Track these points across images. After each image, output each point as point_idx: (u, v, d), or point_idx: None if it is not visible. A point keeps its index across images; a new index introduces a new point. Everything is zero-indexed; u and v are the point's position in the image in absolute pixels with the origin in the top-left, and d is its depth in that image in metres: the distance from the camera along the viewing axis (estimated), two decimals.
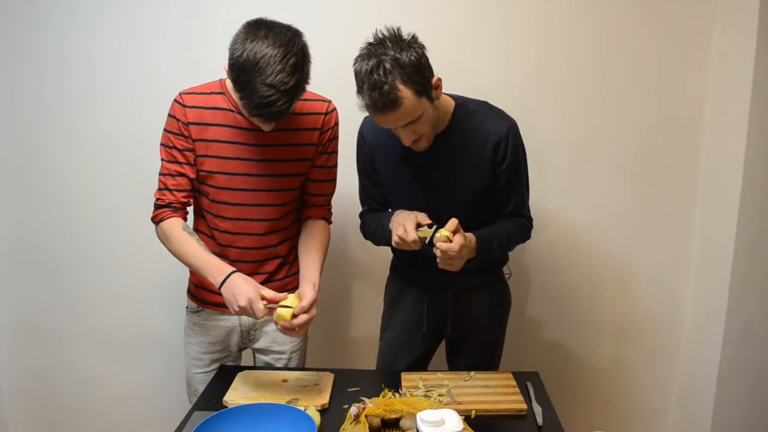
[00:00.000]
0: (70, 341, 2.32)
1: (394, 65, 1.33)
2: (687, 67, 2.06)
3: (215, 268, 1.46)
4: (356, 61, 1.38)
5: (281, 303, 1.42)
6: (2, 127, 2.17)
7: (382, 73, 1.32)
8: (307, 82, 1.40)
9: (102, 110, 2.13)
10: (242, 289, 1.39)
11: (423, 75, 1.38)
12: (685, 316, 2.24)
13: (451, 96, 1.57)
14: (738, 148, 1.91)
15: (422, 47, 1.39)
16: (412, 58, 1.35)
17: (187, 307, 1.73)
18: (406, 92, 1.35)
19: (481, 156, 1.55)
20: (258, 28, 1.34)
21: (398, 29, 1.38)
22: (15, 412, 2.42)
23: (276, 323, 1.43)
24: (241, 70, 1.32)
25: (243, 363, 1.78)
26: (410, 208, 1.54)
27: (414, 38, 1.39)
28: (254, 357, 1.79)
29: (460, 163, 1.56)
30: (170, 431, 1.38)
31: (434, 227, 1.44)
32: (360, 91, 1.38)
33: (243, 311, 1.39)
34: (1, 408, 2.40)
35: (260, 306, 1.38)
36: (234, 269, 1.45)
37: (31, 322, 2.32)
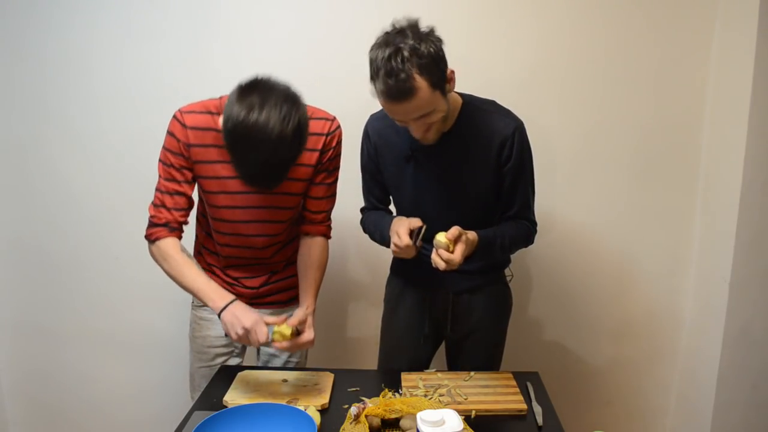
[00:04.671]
0: (70, 341, 2.32)
1: (412, 54, 1.32)
2: (687, 67, 2.06)
3: (216, 294, 1.48)
4: (373, 48, 1.37)
5: (280, 327, 1.44)
6: (3, 127, 2.18)
7: (399, 60, 1.31)
8: (304, 145, 1.35)
9: (102, 110, 2.14)
10: (246, 313, 1.42)
11: (439, 68, 1.37)
12: (685, 316, 2.24)
13: (459, 94, 1.56)
14: (738, 147, 1.91)
15: (440, 40, 1.39)
16: (431, 49, 1.34)
17: (192, 302, 1.74)
18: (421, 83, 1.33)
19: (486, 155, 1.54)
20: (251, 93, 1.27)
21: (417, 20, 1.37)
22: (15, 412, 2.42)
23: (273, 342, 1.45)
24: (233, 139, 1.27)
25: (245, 361, 1.78)
26: (415, 207, 1.55)
27: (432, 31, 1.38)
28: (258, 350, 1.79)
29: (466, 162, 1.55)
30: (170, 431, 1.38)
31: (423, 228, 1.44)
32: (375, 77, 1.36)
33: (244, 335, 1.41)
34: (1, 408, 2.40)
35: (264, 329, 1.41)
36: (235, 297, 1.47)
37: (31, 321, 2.32)
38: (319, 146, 1.56)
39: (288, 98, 1.29)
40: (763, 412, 2.07)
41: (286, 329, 1.44)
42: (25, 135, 2.18)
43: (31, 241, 2.26)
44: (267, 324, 1.43)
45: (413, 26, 1.36)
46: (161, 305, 2.25)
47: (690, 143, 2.12)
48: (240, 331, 1.40)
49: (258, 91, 1.28)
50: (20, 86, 2.14)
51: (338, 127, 1.59)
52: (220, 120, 1.32)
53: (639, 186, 2.15)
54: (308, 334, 1.48)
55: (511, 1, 2.03)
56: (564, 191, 2.15)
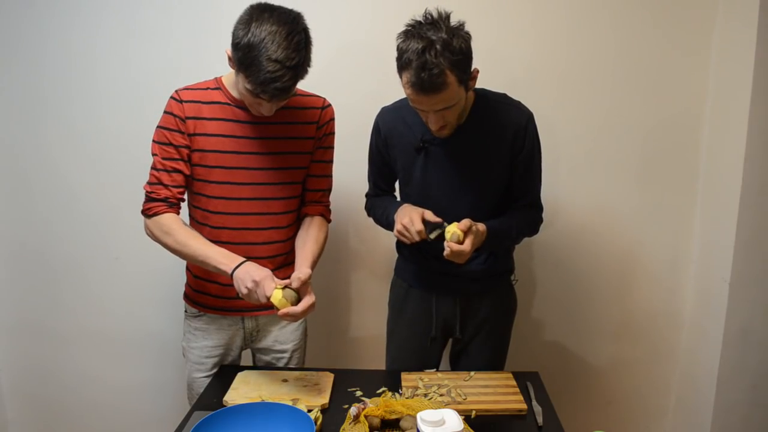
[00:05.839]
0: (70, 341, 2.32)
1: (445, 49, 1.33)
2: (687, 66, 2.06)
3: (228, 257, 1.46)
4: (402, 36, 1.38)
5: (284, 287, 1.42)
6: (3, 127, 2.17)
7: (433, 54, 1.32)
8: (309, 64, 1.41)
9: (102, 110, 2.13)
10: (257, 270, 1.41)
11: (468, 65, 1.40)
12: (685, 316, 2.24)
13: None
14: (738, 147, 1.91)
15: (469, 36, 1.40)
16: (462, 46, 1.36)
17: (185, 312, 1.72)
18: (451, 78, 1.35)
19: (499, 146, 1.56)
20: (262, 11, 1.36)
21: (449, 14, 1.38)
22: (15, 411, 2.42)
23: (278, 311, 1.42)
24: (248, 47, 1.33)
25: (243, 363, 1.78)
26: (424, 199, 1.56)
27: (462, 25, 1.39)
28: (254, 357, 1.78)
29: (478, 153, 1.57)
30: (170, 431, 1.38)
31: (443, 225, 1.45)
32: (405, 68, 1.36)
33: (254, 288, 1.39)
34: (1, 408, 2.39)
35: (271, 285, 1.39)
36: (246, 259, 1.46)
37: (31, 321, 2.32)
38: (316, 118, 1.60)
39: (293, 12, 1.40)
40: (763, 412, 2.07)
41: (290, 292, 1.41)
42: (25, 135, 2.17)
43: (31, 241, 2.26)
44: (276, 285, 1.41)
45: (445, 19, 1.37)
46: (161, 305, 2.25)
47: (690, 143, 2.12)
48: (250, 285, 1.39)
49: (266, 8, 1.38)
50: (20, 87, 2.13)
51: (330, 105, 1.64)
52: (228, 50, 1.40)
53: (639, 186, 2.15)
54: (309, 297, 1.44)
55: (511, 1, 2.03)
56: (564, 192, 2.15)
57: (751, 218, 1.93)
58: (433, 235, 1.45)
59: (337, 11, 2.04)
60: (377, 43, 2.03)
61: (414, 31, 1.36)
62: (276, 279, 1.42)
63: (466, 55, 1.38)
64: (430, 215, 1.47)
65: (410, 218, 1.45)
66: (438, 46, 1.32)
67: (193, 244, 1.49)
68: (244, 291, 1.41)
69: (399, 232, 1.48)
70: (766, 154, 1.89)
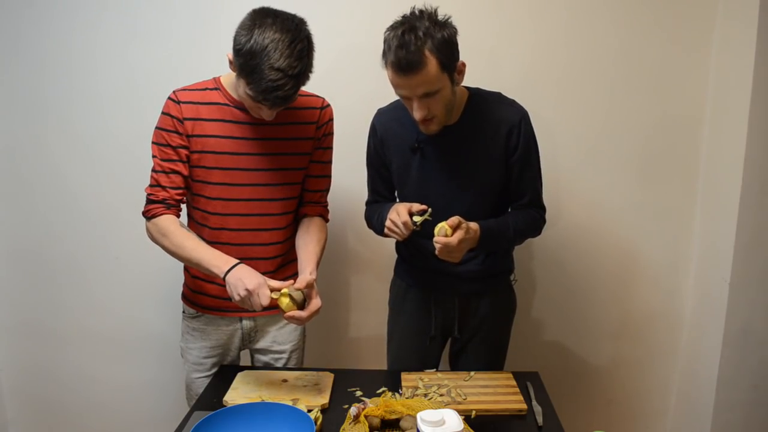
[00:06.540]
0: (70, 341, 2.32)
1: (427, 34, 1.36)
2: (687, 66, 2.06)
3: (220, 259, 1.44)
4: (389, 29, 1.40)
5: (286, 290, 1.40)
6: (4, 127, 2.17)
7: (413, 36, 1.35)
8: (311, 71, 1.41)
9: (102, 110, 2.13)
10: (250, 275, 1.39)
11: (451, 52, 1.41)
12: (685, 316, 2.24)
13: (466, 87, 1.59)
14: (738, 147, 1.91)
15: (455, 29, 1.42)
16: (445, 35, 1.39)
17: (183, 312, 1.72)
18: (431, 59, 1.37)
19: (493, 145, 1.56)
20: (265, 16, 1.35)
21: (436, 8, 1.41)
22: (14, 411, 2.42)
23: (284, 314, 1.41)
24: (250, 54, 1.32)
25: (242, 363, 1.78)
26: (421, 199, 1.56)
27: (448, 19, 1.42)
28: (252, 357, 1.78)
29: (473, 153, 1.57)
30: (170, 431, 1.38)
31: (428, 211, 1.46)
32: (387, 52, 1.39)
33: (247, 296, 1.37)
34: (1, 408, 2.40)
35: (267, 292, 1.37)
36: (240, 261, 1.44)
37: (31, 321, 2.32)
38: (315, 119, 1.60)
39: (296, 17, 1.38)
40: (763, 412, 2.07)
41: (298, 294, 1.40)
42: (25, 136, 2.17)
43: (31, 241, 2.26)
44: (272, 289, 1.39)
45: (431, 13, 1.40)
46: (161, 305, 2.25)
47: (690, 143, 2.12)
48: (242, 293, 1.37)
49: (268, 13, 1.36)
50: (20, 87, 2.13)
51: (329, 105, 1.64)
52: (230, 54, 1.38)
53: (639, 186, 2.15)
54: (317, 301, 1.43)
55: (511, 1, 2.03)
56: (564, 192, 2.15)
57: (751, 218, 1.93)
58: (417, 220, 1.46)
59: (337, 13, 2.04)
60: (377, 44, 2.01)
61: (400, 22, 1.40)
62: (271, 282, 1.41)
63: (449, 43, 1.40)
64: (417, 207, 1.47)
65: (396, 212, 1.46)
66: (419, 32, 1.35)
67: (188, 246, 1.48)
68: (237, 298, 1.39)
69: (388, 228, 1.48)
70: (766, 154, 1.89)
